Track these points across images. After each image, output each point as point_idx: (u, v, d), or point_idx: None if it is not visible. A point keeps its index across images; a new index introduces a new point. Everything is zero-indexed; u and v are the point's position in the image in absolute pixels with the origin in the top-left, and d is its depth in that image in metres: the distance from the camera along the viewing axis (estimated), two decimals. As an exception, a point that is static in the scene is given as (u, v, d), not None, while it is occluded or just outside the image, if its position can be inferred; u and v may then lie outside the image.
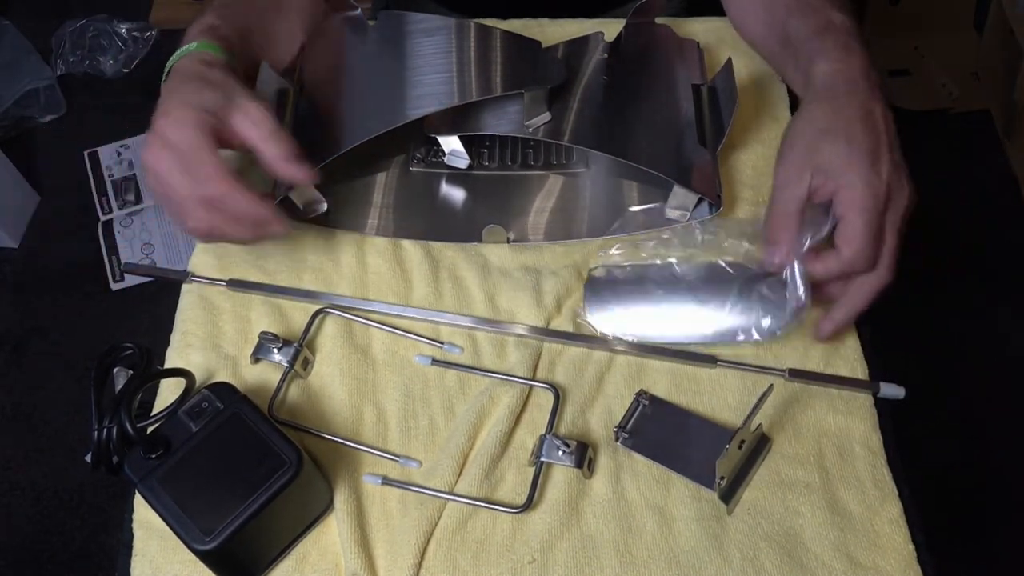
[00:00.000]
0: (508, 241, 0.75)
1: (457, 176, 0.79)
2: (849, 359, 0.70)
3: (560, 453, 0.64)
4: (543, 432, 0.66)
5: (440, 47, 0.74)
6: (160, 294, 1.68)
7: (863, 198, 0.61)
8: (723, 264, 0.71)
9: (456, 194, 0.79)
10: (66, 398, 1.60)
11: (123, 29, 2.02)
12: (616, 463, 0.66)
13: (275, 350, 0.69)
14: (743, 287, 0.69)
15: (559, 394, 0.68)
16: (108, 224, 1.77)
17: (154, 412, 0.66)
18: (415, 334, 0.72)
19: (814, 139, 0.63)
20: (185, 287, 0.75)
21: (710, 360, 0.69)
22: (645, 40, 0.80)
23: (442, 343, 0.71)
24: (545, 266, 0.75)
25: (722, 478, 0.62)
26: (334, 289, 0.74)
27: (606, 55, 0.77)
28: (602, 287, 0.72)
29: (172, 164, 0.62)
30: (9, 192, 1.77)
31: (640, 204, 0.76)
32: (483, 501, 0.64)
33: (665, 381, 0.69)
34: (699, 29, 0.88)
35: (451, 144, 0.76)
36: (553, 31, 0.90)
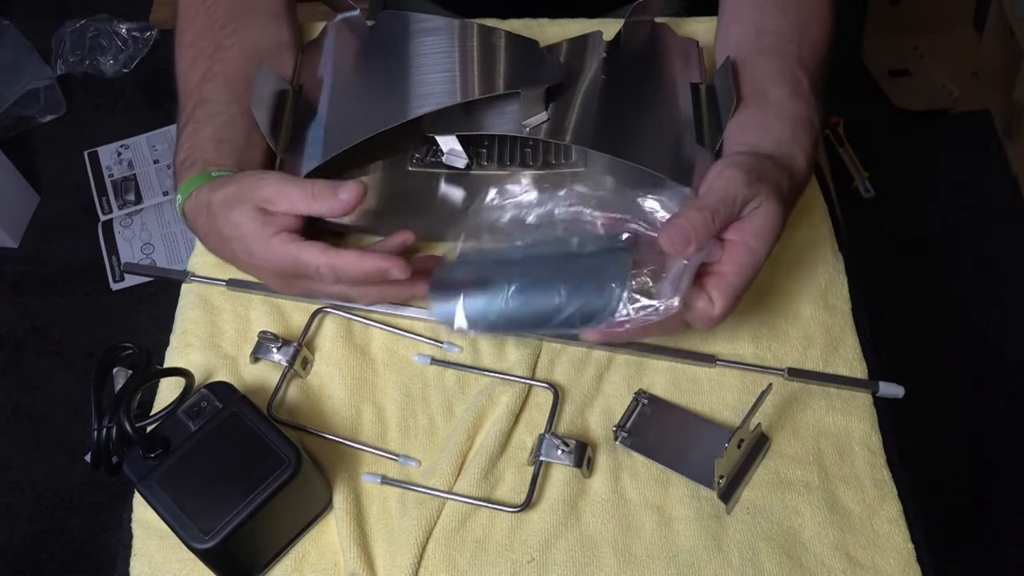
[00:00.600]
0: None
1: (455, 175, 0.79)
2: (848, 358, 0.70)
3: (559, 452, 0.64)
4: (542, 431, 0.66)
5: (438, 47, 0.74)
6: (160, 294, 1.68)
7: (746, 280, 0.60)
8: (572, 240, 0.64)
9: (454, 193, 0.79)
10: (66, 398, 1.60)
11: (123, 29, 2.02)
12: (615, 462, 0.66)
13: (274, 350, 0.69)
14: (584, 271, 0.62)
15: (558, 393, 0.68)
16: (108, 224, 1.77)
17: (153, 412, 0.66)
18: (414, 333, 0.72)
19: (773, 186, 0.62)
20: (185, 287, 0.75)
21: (709, 359, 0.69)
22: (644, 39, 0.80)
23: (441, 342, 0.71)
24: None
25: (721, 477, 0.62)
26: (333, 288, 0.74)
27: (605, 54, 0.77)
28: (450, 280, 0.64)
29: (298, 283, 0.66)
30: (9, 192, 1.77)
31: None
32: (482, 500, 0.64)
33: (664, 380, 0.69)
34: (699, 29, 0.88)
35: (449, 143, 0.76)
36: (553, 31, 0.90)
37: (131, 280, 1.71)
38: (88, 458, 0.62)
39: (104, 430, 0.61)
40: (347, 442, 0.67)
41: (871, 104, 1.91)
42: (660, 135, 0.73)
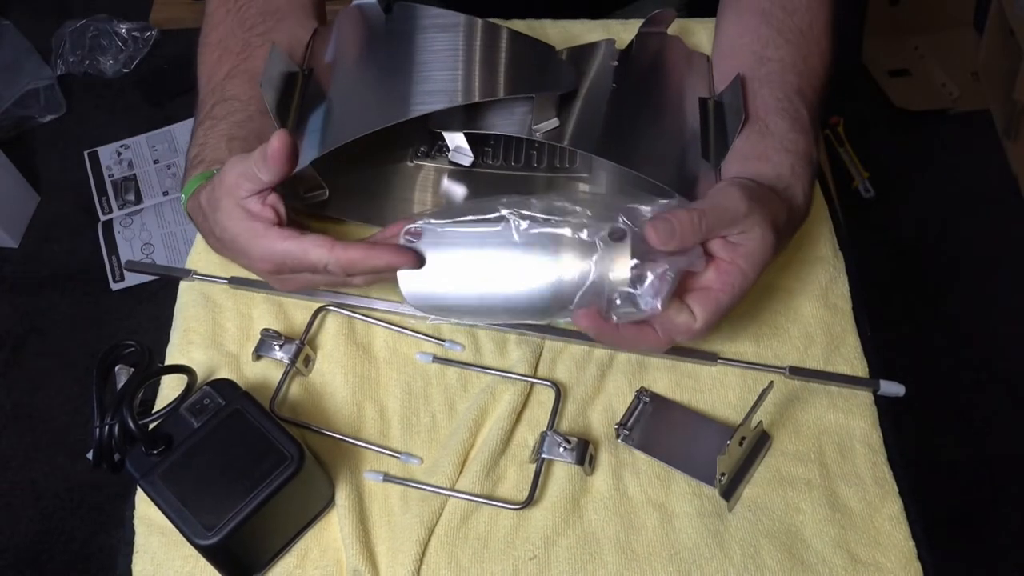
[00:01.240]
0: None
1: (459, 173, 0.79)
2: (849, 357, 0.70)
3: (561, 450, 0.64)
4: (544, 429, 0.66)
5: (453, 44, 0.73)
6: (160, 294, 1.68)
7: (733, 298, 0.60)
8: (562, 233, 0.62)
9: (457, 191, 0.79)
10: (66, 398, 1.60)
11: (123, 29, 2.02)
12: (617, 460, 0.66)
13: (277, 347, 0.69)
14: (573, 265, 0.61)
15: (560, 391, 0.68)
16: (108, 224, 1.77)
17: (156, 409, 0.66)
18: (416, 332, 0.72)
19: (770, 214, 0.61)
20: (184, 285, 0.76)
21: (711, 357, 0.69)
22: (655, 50, 0.80)
23: (443, 341, 0.71)
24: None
25: (723, 475, 0.62)
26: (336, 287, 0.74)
27: (615, 62, 0.77)
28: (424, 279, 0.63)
29: (296, 278, 0.66)
30: (9, 192, 1.77)
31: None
32: (484, 498, 0.64)
33: (666, 378, 0.70)
34: (699, 28, 0.89)
35: (456, 141, 0.76)
36: (556, 32, 0.90)
37: (131, 280, 1.71)
38: (90, 456, 0.62)
39: (106, 427, 0.61)
40: (349, 440, 0.67)
41: (871, 104, 1.92)
42: (666, 147, 0.73)
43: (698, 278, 0.61)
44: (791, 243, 0.73)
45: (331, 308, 0.73)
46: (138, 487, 0.61)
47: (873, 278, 1.66)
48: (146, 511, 0.65)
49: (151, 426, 0.60)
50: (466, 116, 0.74)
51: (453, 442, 0.66)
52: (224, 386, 0.61)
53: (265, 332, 0.69)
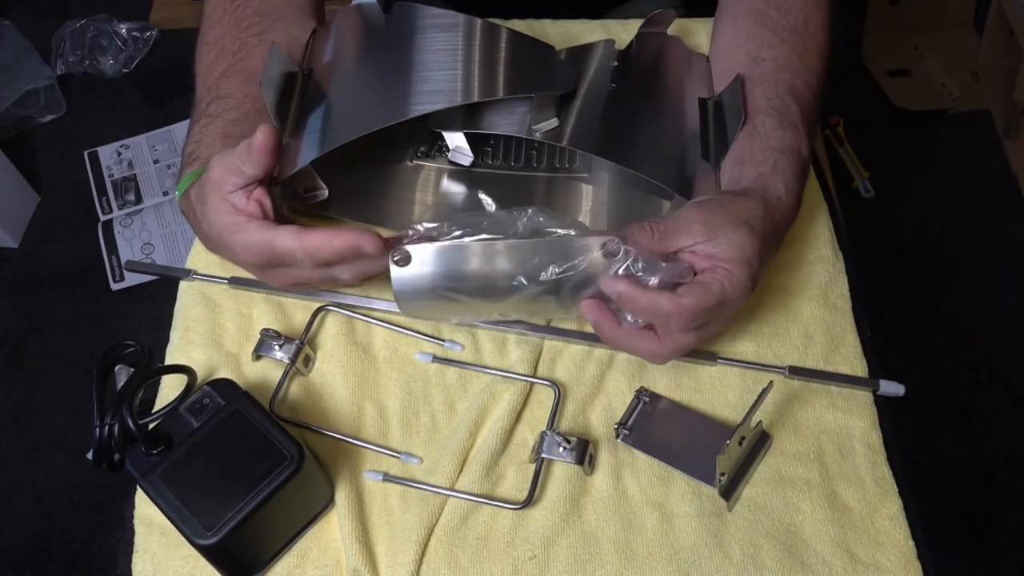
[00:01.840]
0: None
1: (459, 172, 0.79)
2: (849, 357, 0.70)
3: (561, 450, 0.64)
4: (544, 429, 0.66)
5: (454, 44, 0.74)
6: (160, 294, 1.68)
7: (724, 291, 0.60)
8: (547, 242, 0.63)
9: (457, 190, 0.79)
10: (66, 398, 1.60)
11: (123, 29, 2.02)
12: (617, 460, 0.66)
13: (276, 347, 0.69)
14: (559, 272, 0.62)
15: (560, 391, 0.68)
16: (108, 224, 1.77)
17: (156, 409, 0.66)
18: (416, 331, 0.72)
19: (735, 216, 0.62)
20: (184, 285, 0.76)
21: (710, 357, 0.69)
22: (655, 50, 0.80)
23: (443, 340, 0.71)
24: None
25: (722, 475, 0.62)
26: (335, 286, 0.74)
27: (615, 63, 0.77)
28: (411, 270, 0.64)
29: (277, 271, 0.66)
30: (9, 192, 1.77)
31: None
32: (484, 498, 0.64)
33: (665, 378, 0.70)
34: (699, 28, 0.89)
35: (456, 140, 0.76)
36: (555, 32, 0.90)
37: (131, 280, 1.71)
38: (90, 456, 0.62)
39: (106, 427, 0.61)
40: (349, 439, 0.67)
41: (871, 104, 1.92)
42: (665, 146, 0.73)
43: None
44: (790, 243, 0.73)
45: (331, 308, 0.73)
46: (138, 487, 0.61)
47: (873, 278, 1.66)
48: (146, 511, 0.65)
49: (151, 426, 0.60)
50: (466, 116, 0.74)
51: (453, 442, 0.66)
52: (224, 386, 0.61)
53: (265, 332, 0.69)
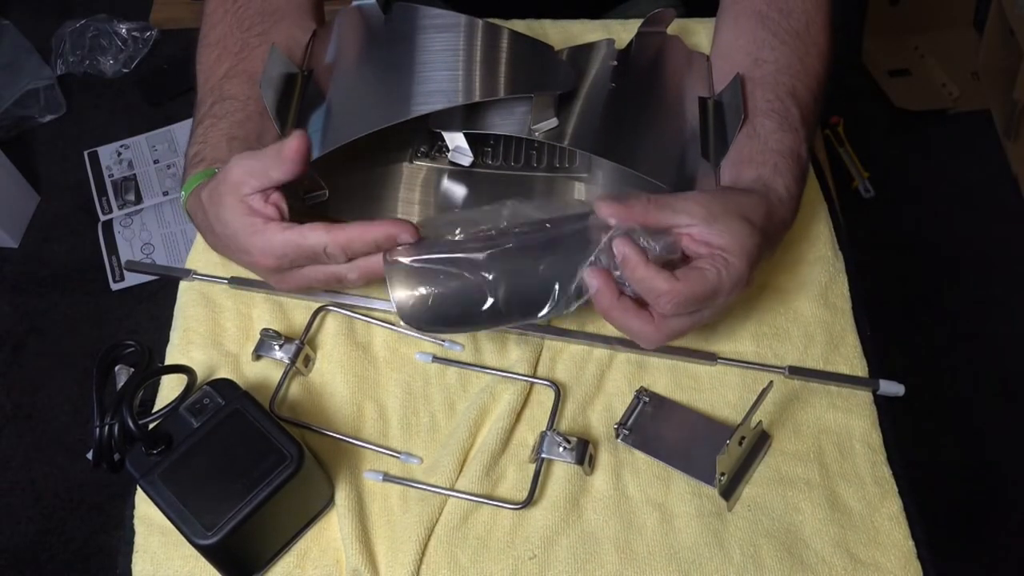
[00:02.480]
0: None
1: (459, 173, 0.79)
2: (849, 356, 0.70)
3: (561, 450, 0.64)
4: (544, 429, 0.66)
5: (453, 44, 0.74)
6: (160, 294, 1.68)
7: (721, 280, 0.60)
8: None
9: (457, 191, 0.79)
10: (66, 398, 1.60)
11: (123, 29, 2.02)
12: (617, 460, 0.66)
13: (276, 347, 0.69)
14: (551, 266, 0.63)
15: (560, 391, 0.68)
16: (108, 224, 1.77)
17: (156, 409, 0.66)
18: (416, 331, 0.72)
19: (736, 208, 0.62)
20: (184, 285, 0.76)
21: (710, 357, 0.69)
22: (655, 50, 0.80)
23: (443, 340, 0.71)
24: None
25: (722, 475, 0.62)
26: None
27: (615, 62, 0.77)
28: (409, 275, 0.64)
29: (295, 274, 0.66)
30: (9, 192, 1.77)
31: None
32: (484, 498, 0.64)
33: (665, 378, 0.70)
34: (699, 28, 0.89)
35: (456, 140, 0.76)
36: (556, 32, 0.90)
37: (131, 280, 1.71)
38: (90, 456, 0.62)
39: (106, 427, 0.61)
40: (349, 439, 0.67)
41: (871, 104, 1.91)
42: (665, 146, 0.73)
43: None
44: (790, 243, 0.73)
45: (331, 308, 0.73)
46: (138, 487, 0.61)
47: (873, 278, 1.66)
48: (146, 511, 0.65)
49: (151, 426, 0.60)
50: (466, 116, 0.74)
51: (453, 442, 0.66)
52: (224, 386, 0.61)
53: (265, 332, 0.69)
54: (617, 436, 0.66)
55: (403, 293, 0.62)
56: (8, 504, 1.50)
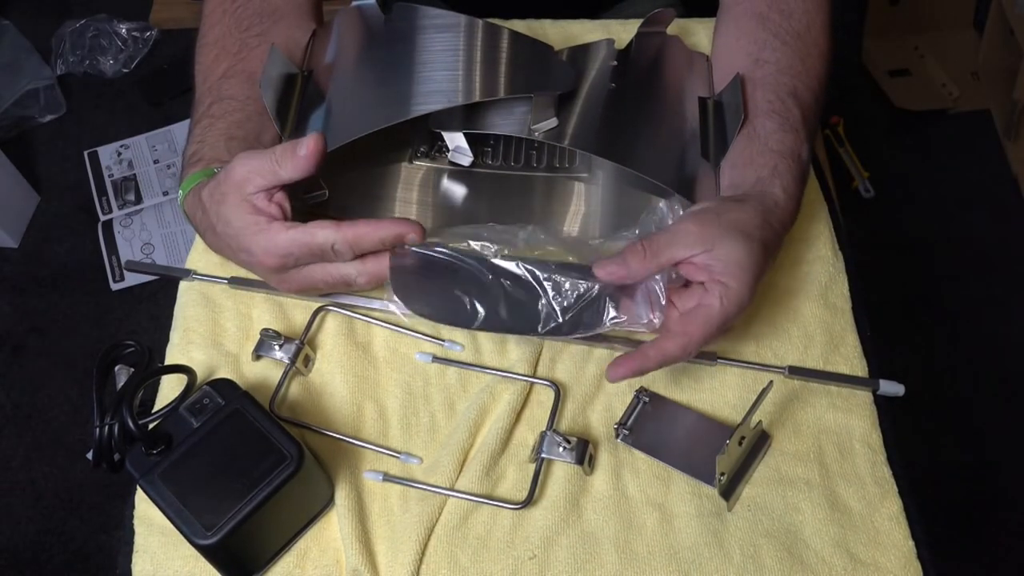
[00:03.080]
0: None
1: (459, 173, 0.79)
2: (849, 356, 0.70)
3: (561, 450, 0.64)
4: (544, 429, 0.66)
5: (453, 44, 0.74)
6: (160, 294, 1.68)
7: (726, 311, 0.61)
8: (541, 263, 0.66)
9: (457, 191, 0.79)
10: (66, 398, 1.60)
11: (123, 29, 2.02)
12: (616, 460, 0.66)
13: (276, 347, 0.69)
14: (557, 285, 0.65)
15: (559, 391, 0.68)
16: (108, 224, 1.77)
17: (155, 409, 0.66)
18: (416, 332, 0.72)
19: (732, 226, 0.62)
20: (184, 284, 0.76)
21: (710, 357, 0.69)
22: (655, 50, 0.80)
23: (443, 340, 0.71)
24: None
25: (722, 475, 0.62)
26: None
27: (615, 62, 0.77)
28: (410, 270, 0.66)
29: (297, 276, 0.66)
30: (9, 192, 1.77)
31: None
32: (484, 497, 0.64)
33: (665, 378, 0.70)
34: (699, 28, 0.89)
35: (456, 140, 0.76)
36: (556, 32, 0.90)
37: (131, 280, 1.71)
38: (90, 456, 0.62)
39: (106, 427, 0.61)
40: (349, 439, 0.67)
41: (871, 104, 1.91)
42: (665, 146, 0.73)
43: (684, 303, 0.63)
44: (790, 243, 0.73)
45: (331, 308, 0.73)
46: (138, 487, 0.61)
47: (873, 278, 1.66)
48: (146, 511, 0.65)
49: (151, 426, 0.60)
50: (465, 116, 0.74)
51: (453, 442, 0.66)
52: (224, 386, 0.61)
53: (265, 332, 0.69)
54: (617, 436, 0.66)
55: (398, 265, 0.65)
56: (8, 504, 1.50)
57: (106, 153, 1.87)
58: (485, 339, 0.71)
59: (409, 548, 0.62)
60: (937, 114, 1.89)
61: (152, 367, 0.66)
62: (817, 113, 0.73)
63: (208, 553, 0.57)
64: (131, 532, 0.65)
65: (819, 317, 0.72)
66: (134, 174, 1.84)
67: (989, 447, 1.51)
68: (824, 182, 0.82)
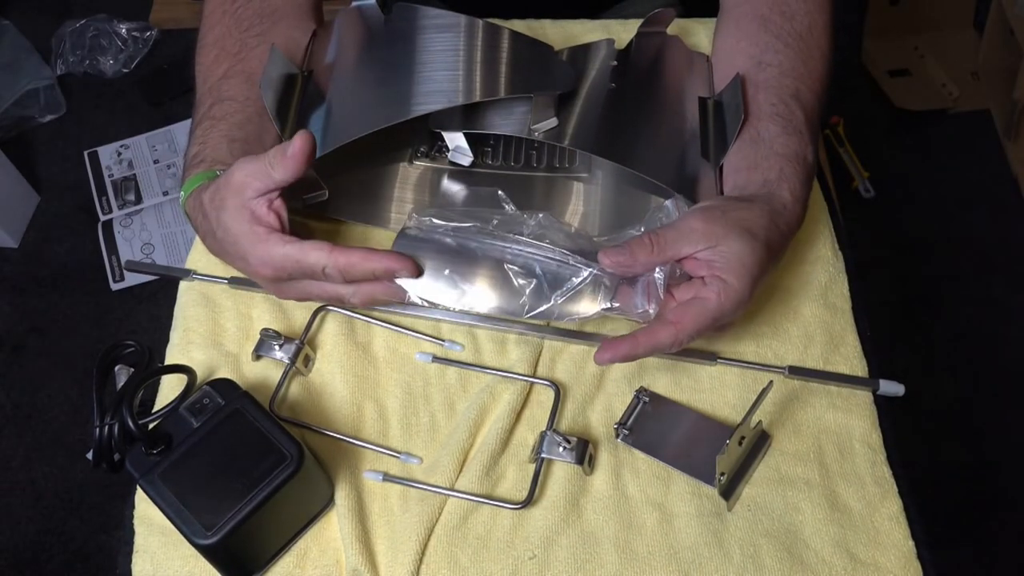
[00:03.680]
0: None
1: (459, 173, 0.79)
2: (849, 356, 0.70)
3: (561, 449, 0.64)
4: (544, 429, 0.66)
5: (453, 44, 0.74)
6: (160, 294, 1.68)
7: (722, 306, 0.61)
8: (545, 247, 0.67)
9: (457, 191, 0.79)
10: (66, 398, 1.60)
11: (123, 29, 2.02)
12: (616, 460, 0.66)
13: (276, 347, 0.69)
14: (561, 270, 0.66)
15: (559, 391, 0.68)
16: (108, 224, 1.77)
17: (155, 409, 0.66)
18: (416, 331, 0.72)
19: (737, 224, 0.62)
20: (184, 284, 0.76)
21: (710, 357, 0.69)
22: (655, 50, 0.80)
23: (443, 340, 0.71)
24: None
25: (722, 474, 0.62)
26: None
27: (615, 62, 0.77)
28: (415, 245, 0.67)
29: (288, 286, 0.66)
30: (9, 192, 1.77)
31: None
32: (484, 497, 0.64)
33: (665, 378, 0.70)
34: (699, 28, 0.89)
35: (456, 140, 0.76)
36: (556, 32, 0.90)
37: (131, 280, 1.71)
38: (90, 456, 0.62)
39: (106, 427, 0.61)
40: (349, 439, 0.67)
41: (871, 104, 1.92)
42: (665, 146, 0.73)
43: (681, 295, 0.63)
44: (792, 244, 0.73)
45: (331, 308, 0.73)
46: (138, 487, 0.61)
47: (873, 278, 1.66)
48: (146, 511, 0.65)
49: (151, 426, 0.60)
50: (465, 116, 0.74)
51: (453, 442, 0.66)
52: (224, 386, 0.61)
53: (265, 332, 0.69)
54: (617, 436, 0.66)
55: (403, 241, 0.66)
56: (8, 504, 1.50)
57: (106, 153, 1.87)
58: (485, 339, 0.72)
59: (409, 548, 0.62)
60: (937, 114, 1.89)
61: (152, 367, 0.66)
62: (820, 115, 0.73)
63: (208, 553, 0.57)
64: (131, 532, 0.65)
65: (819, 317, 0.72)
66: (134, 174, 1.84)
67: (989, 447, 1.51)
68: (824, 182, 0.82)
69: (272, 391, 0.68)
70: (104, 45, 2.02)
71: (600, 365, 0.64)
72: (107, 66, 2.00)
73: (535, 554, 0.62)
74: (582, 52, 0.79)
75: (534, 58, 0.75)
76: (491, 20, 0.78)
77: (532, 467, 0.65)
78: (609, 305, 0.64)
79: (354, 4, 0.80)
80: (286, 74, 0.74)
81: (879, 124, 1.90)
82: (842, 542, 0.62)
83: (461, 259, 0.66)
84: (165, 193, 1.80)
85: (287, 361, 0.69)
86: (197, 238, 0.76)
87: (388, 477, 0.65)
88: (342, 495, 0.64)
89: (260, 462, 0.57)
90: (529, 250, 0.66)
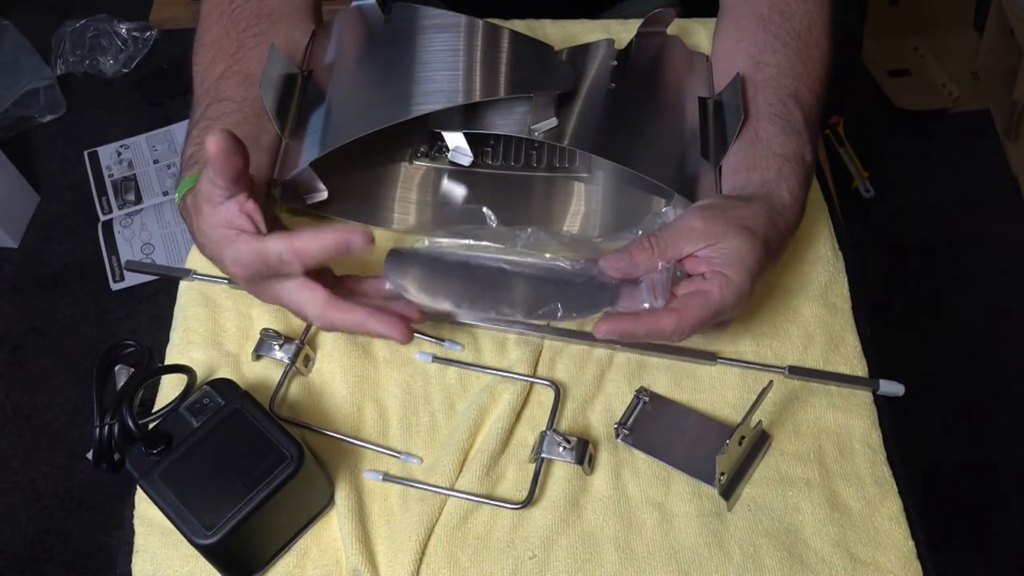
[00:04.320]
0: None
1: (459, 173, 0.79)
2: (849, 356, 0.70)
3: (561, 449, 0.64)
4: (544, 429, 0.66)
5: (453, 44, 0.74)
6: (160, 294, 1.68)
7: (723, 299, 0.61)
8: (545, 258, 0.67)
9: (457, 191, 0.79)
10: (66, 398, 1.60)
11: (123, 29, 2.02)
12: (616, 459, 0.66)
13: (276, 347, 0.69)
14: (561, 275, 0.66)
15: (559, 391, 0.68)
16: (108, 224, 1.77)
17: (155, 409, 0.66)
18: (416, 331, 0.72)
19: (736, 222, 0.62)
20: (184, 284, 0.76)
21: (710, 357, 0.69)
22: (655, 50, 0.80)
23: (443, 340, 0.71)
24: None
25: (722, 474, 0.62)
26: (335, 286, 0.74)
27: (615, 62, 0.77)
28: (408, 260, 0.66)
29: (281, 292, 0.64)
30: (9, 192, 1.77)
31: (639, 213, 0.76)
32: (484, 497, 0.64)
33: (665, 378, 0.70)
34: (699, 28, 0.89)
35: (455, 140, 0.76)
36: (556, 32, 0.90)
37: (131, 280, 1.71)
38: (90, 456, 0.62)
39: (106, 427, 0.61)
40: (349, 439, 0.67)
41: (871, 104, 1.92)
42: (665, 146, 0.73)
43: (683, 290, 0.63)
44: (790, 242, 0.73)
45: (331, 308, 0.72)
46: (138, 487, 0.61)
47: (873, 278, 1.66)
48: (146, 511, 0.65)
49: (151, 426, 0.61)
50: (465, 116, 0.74)
51: (453, 442, 0.66)
52: (224, 386, 0.61)
53: (265, 332, 0.69)
54: (617, 436, 0.66)
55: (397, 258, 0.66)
56: (8, 504, 1.50)
57: (106, 153, 1.87)
58: (485, 339, 0.72)
59: (409, 548, 0.62)
60: (937, 114, 1.89)
61: (152, 367, 0.66)
62: (819, 115, 0.73)
63: (208, 553, 0.57)
64: (131, 532, 0.65)
65: (819, 317, 0.72)
66: (134, 174, 1.84)
67: (989, 446, 1.51)
68: (824, 182, 0.82)
69: (272, 391, 0.68)
70: (104, 45, 2.02)
71: (597, 337, 0.63)
72: (107, 66, 2.00)
73: (535, 554, 0.62)
74: (582, 52, 0.79)
75: (534, 58, 0.75)
76: (491, 20, 0.78)
77: (532, 467, 0.65)
78: (612, 305, 0.64)
79: (354, 4, 0.80)
80: (286, 74, 0.74)
81: (879, 124, 1.90)
82: (842, 542, 0.62)
83: (458, 269, 0.66)
84: (165, 193, 1.80)
85: (287, 361, 0.69)
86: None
87: (388, 477, 0.65)
88: (342, 495, 0.64)
89: (260, 462, 0.57)
90: (527, 259, 0.67)
